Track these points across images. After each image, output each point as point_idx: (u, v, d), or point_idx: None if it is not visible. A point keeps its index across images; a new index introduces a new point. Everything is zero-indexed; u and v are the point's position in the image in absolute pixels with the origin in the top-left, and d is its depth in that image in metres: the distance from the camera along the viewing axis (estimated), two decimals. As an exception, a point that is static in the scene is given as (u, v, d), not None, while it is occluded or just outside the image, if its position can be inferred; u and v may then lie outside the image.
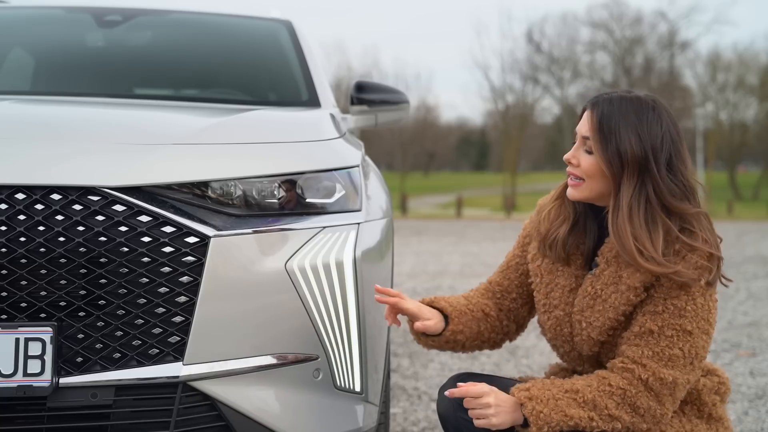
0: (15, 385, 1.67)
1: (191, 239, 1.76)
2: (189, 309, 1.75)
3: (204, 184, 1.84)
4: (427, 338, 1.95)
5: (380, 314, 2.05)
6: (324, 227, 1.91)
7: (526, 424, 1.70)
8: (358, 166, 2.08)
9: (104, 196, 1.74)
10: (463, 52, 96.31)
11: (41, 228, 1.70)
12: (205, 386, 1.77)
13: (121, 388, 1.74)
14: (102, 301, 1.73)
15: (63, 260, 1.70)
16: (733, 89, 38.96)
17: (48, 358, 1.68)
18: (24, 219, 1.70)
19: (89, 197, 1.74)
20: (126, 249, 1.72)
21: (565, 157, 1.81)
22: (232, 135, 2.02)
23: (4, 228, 1.69)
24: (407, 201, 27.81)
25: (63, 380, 1.70)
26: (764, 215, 26.12)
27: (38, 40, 3.21)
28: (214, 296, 1.76)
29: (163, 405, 1.76)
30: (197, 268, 1.75)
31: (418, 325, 1.88)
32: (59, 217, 1.71)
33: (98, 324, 1.73)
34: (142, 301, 1.73)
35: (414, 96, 36.14)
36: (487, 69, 39.95)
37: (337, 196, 1.97)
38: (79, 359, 1.72)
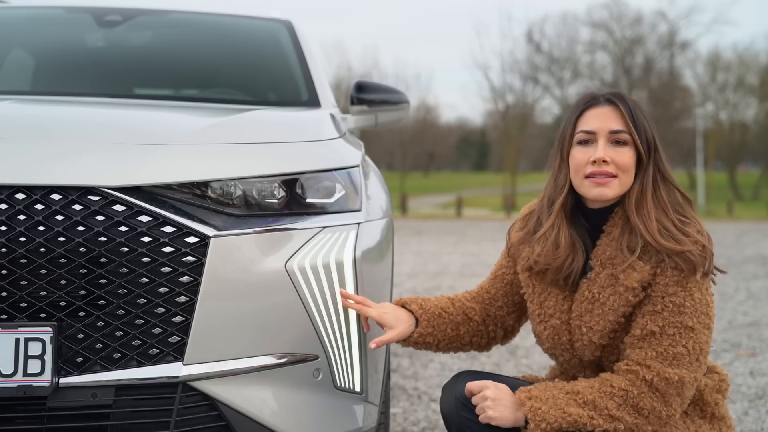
0: (15, 385, 1.67)
1: (191, 239, 1.76)
2: (189, 309, 1.75)
3: (204, 184, 1.84)
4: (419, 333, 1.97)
5: (380, 314, 2.05)
6: (324, 227, 1.91)
7: (527, 424, 1.70)
8: (358, 166, 2.08)
9: (104, 196, 1.74)
10: (463, 53, 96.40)
11: (41, 228, 1.70)
12: (205, 386, 1.77)
13: (121, 388, 1.74)
14: (102, 301, 1.73)
15: (63, 260, 1.70)
16: (733, 89, 38.95)
17: (48, 358, 1.68)
18: (24, 219, 1.70)
19: (89, 197, 1.74)
20: (126, 249, 1.72)
21: (598, 156, 1.75)
22: (233, 135, 2.02)
23: (4, 228, 1.69)
24: (407, 201, 27.81)
25: (63, 380, 1.70)
26: (764, 215, 26.09)
27: (38, 40, 3.21)
28: (214, 296, 1.76)
29: (163, 405, 1.76)
30: (197, 268, 1.75)
31: (371, 344, 1.89)
32: (59, 217, 1.71)
33: (98, 324, 1.72)
34: (142, 301, 1.73)
35: (414, 96, 36.15)
36: (487, 69, 40.03)
37: (337, 196, 1.97)
38: (79, 359, 1.72)
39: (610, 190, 1.77)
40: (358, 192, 2.03)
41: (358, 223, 1.97)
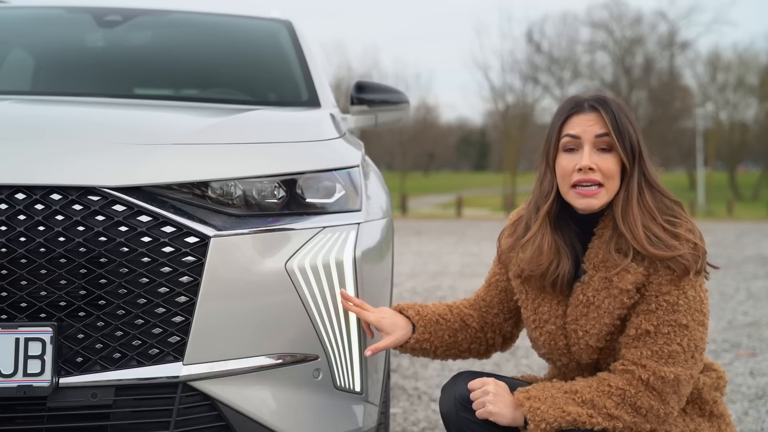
0: (15, 385, 1.67)
1: (191, 239, 1.76)
2: (189, 309, 1.75)
3: (204, 184, 1.84)
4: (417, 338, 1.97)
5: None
6: (324, 227, 1.91)
7: (527, 425, 1.70)
8: (358, 166, 2.08)
9: (104, 196, 1.74)
10: (463, 53, 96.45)
11: (41, 228, 1.70)
12: (205, 386, 1.77)
13: (121, 388, 1.74)
14: (102, 301, 1.73)
15: (63, 260, 1.70)
16: (733, 89, 38.95)
17: (48, 358, 1.68)
18: (24, 219, 1.70)
19: (89, 197, 1.74)
20: (126, 249, 1.72)
21: (584, 164, 1.74)
22: (232, 135, 2.02)
23: (4, 228, 1.69)
24: (407, 201, 27.82)
25: (63, 380, 1.70)
26: (764, 215, 26.09)
27: (38, 40, 3.21)
28: (214, 296, 1.76)
29: (163, 405, 1.76)
30: (197, 268, 1.75)
31: (366, 352, 1.90)
32: (59, 217, 1.71)
33: (98, 324, 1.72)
34: (142, 301, 1.73)
35: (414, 96, 36.14)
36: (487, 69, 40.06)
37: (337, 196, 1.97)
38: (79, 359, 1.72)
39: (597, 201, 1.76)
40: (358, 192, 2.03)
41: (358, 223, 1.97)
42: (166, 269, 1.74)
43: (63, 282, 1.71)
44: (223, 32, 3.38)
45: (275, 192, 1.90)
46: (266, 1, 4.35)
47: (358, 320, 1.92)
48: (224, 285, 1.77)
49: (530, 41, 38.33)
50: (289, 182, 1.92)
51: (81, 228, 1.72)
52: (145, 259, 1.73)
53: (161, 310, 1.74)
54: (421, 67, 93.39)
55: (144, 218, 1.75)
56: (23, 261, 1.69)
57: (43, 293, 1.71)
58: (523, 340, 4.11)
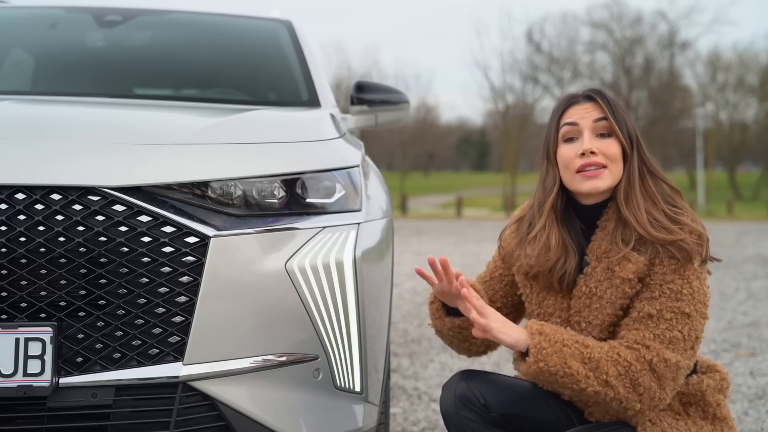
0: (15, 385, 1.67)
1: (191, 239, 1.76)
2: (189, 309, 1.75)
3: (204, 184, 1.84)
4: (453, 318, 1.92)
5: (380, 314, 2.05)
6: (324, 227, 1.91)
7: (524, 355, 1.70)
8: (358, 166, 2.08)
9: (104, 196, 1.74)
10: (463, 53, 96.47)
11: (41, 228, 1.70)
12: (205, 386, 1.77)
13: (121, 388, 1.74)
14: (102, 301, 1.73)
15: (63, 260, 1.70)
16: (733, 89, 38.95)
17: (48, 358, 1.68)
18: (24, 219, 1.70)
19: (89, 197, 1.74)
20: (126, 249, 1.72)
21: (585, 147, 1.77)
22: (232, 135, 2.02)
23: (4, 228, 1.69)
24: (407, 201, 27.81)
25: (63, 380, 1.70)
26: (764, 215, 26.09)
27: (38, 40, 3.21)
28: (214, 296, 1.76)
29: (163, 405, 1.76)
30: (197, 268, 1.75)
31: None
32: (59, 217, 1.71)
33: (98, 324, 1.72)
34: (142, 301, 1.73)
35: (414, 96, 36.16)
36: (487, 69, 40.03)
37: (337, 196, 1.97)
38: (79, 359, 1.72)
39: (602, 182, 1.78)
40: (358, 192, 2.03)
41: (358, 223, 1.97)
42: (166, 269, 1.74)
43: (63, 282, 1.71)
44: (223, 32, 3.38)
45: (275, 192, 1.90)
46: (266, 1, 4.36)
47: (358, 320, 1.92)
48: (224, 285, 1.77)
49: (530, 41, 38.35)
50: (289, 182, 1.92)
51: (81, 228, 1.72)
52: (145, 259, 1.73)
53: (161, 310, 1.74)
54: (421, 67, 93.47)
55: (144, 218, 1.75)
56: (23, 261, 1.69)
57: (43, 293, 1.71)
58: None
